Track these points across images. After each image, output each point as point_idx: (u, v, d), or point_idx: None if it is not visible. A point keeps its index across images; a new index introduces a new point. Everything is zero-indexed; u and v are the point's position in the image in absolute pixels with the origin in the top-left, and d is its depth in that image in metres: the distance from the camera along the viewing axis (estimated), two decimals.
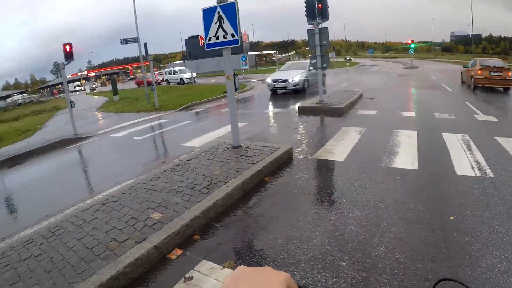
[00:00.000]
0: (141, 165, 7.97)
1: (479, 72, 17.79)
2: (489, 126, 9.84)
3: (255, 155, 6.94)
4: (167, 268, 3.80)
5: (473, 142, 8.01)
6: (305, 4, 13.11)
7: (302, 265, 3.60)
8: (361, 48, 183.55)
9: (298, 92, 19.64)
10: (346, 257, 3.70)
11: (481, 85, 17.97)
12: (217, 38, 7.03)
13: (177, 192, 5.34)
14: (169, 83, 43.10)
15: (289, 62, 27.90)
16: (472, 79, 18.57)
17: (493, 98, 15.33)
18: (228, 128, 8.93)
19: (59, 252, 3.99)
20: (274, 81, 20.19)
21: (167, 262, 3.90)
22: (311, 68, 14.71)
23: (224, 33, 6.93)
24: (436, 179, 5.87)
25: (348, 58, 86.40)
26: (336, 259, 3.68)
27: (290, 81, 19.47)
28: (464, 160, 6.78)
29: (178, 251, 4.07)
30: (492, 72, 17.55)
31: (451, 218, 4.49)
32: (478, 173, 6.05)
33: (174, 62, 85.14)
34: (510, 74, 17.34)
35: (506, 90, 17.71)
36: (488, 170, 6.16)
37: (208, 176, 5.94)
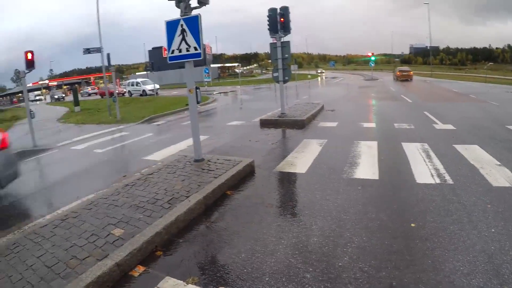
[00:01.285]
0: (102, 179, 7.80)
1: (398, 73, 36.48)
2: (447, 135, 10.28)
3: (217, 168, 6.95)
4: (129, 286, 3.72)
5: (432, 150, 8.35)
6: (268, 18, 13.44)
7: (267, 279, 3.61)
8: (323, 60, 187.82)
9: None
10: (311, 269, 3.75)
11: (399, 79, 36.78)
12: (180, 51, 7.07)
13: (138, 207, 5.26)
14: (132, 94, 42.65)
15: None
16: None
17: (451, 107, 15.99)
18: (190, 141, 8.90)
19: (17, 271, 3.83)
20: None
21: (130, 280, 3.82)
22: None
23: (187, 46, 6.98)
24: (396, 188, 6.07)
25: (320, 72, 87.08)
26: (301, 271, 3.72)
27: None
28: (424, 168, 7.04)
29: (141, 268, 4.00)
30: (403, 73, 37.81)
31: (413, 225, 4.65)
32: (437, 181, 6.30)
33: (137, 73, 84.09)
34: (411, 73, 37.31)
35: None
36: (447, 177, 6.43)
37: (170, 190, 5.90)
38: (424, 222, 4.71)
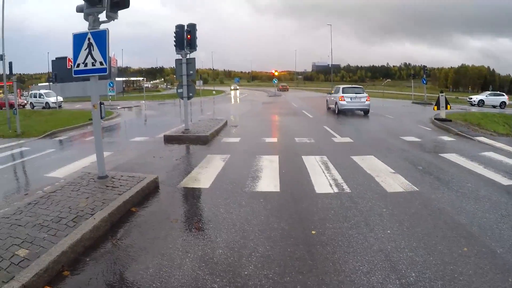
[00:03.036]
0: (2, 198, 7.22)
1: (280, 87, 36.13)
2: (345, 147, 11.07)
3: (121, 185, 6.81)
4: None
5: (330, 162, 8.94)
6: (174, 35, 13.51)
7: None
8: (228, 76, 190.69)
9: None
10: (218, 279, 3.83)
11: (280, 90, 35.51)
12: (86, 65, 6.85)
13: (42, 227, 5.00)
14: (34, 106, 39.74)
15: None
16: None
17: (349, 122, 17.12)
18: (93, 158, 8.57)
19: None
20: None
21: None
22: None
23: (93, 61, 6.79)
24: (297, 199, 6.40)
25: (233, 88, 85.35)
26: (208, 282, 3.79)
27: None
28: (323, 179, 7.52)
29: None
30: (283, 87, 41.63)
31: (313, 232, 4.96)
32: (336, 190, 6.78)
33: (39, 84, 78.27)
34: (287, 87, 47.29)
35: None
36: (345, 186, 6.94)
37: (74, 208, 5.67)
38: (324, 229, 5.05)
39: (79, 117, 23.85)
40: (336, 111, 23.24)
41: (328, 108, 26.49)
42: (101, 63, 6.81)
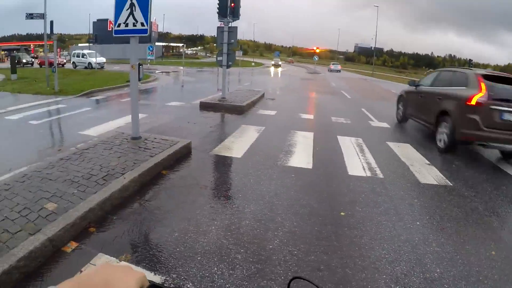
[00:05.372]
0: (36, 152, 7.41)
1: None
2: (381, 132, 10.83)
3: (153, 147, 6.89)
4: (62, 262, 3.60)
5: (365, 145, 8.78)
6: (218, 2, 13.33)
7: (199, 258, 3.67)
8: (268, 50, 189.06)
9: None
10: (242, 250, 3.85)
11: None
12: (127, 25, 6.87)
13: (72, 182, 5.10)
14: (76, 66, 40.15)
15: None
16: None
17: (388, 107, 16.73)
18: (128, 119, 8.71)
19: None
20: None
21: (62, 256, 3.70)
22: None
23: (134, 21, 6.79)
24: (329, 178, 6.35)
25: (275, 63, 79.50)
26: (232, 252, 3.82)
27: None
28: (356, 161, 7.41)
29: (74, 244, 3.89)
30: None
31: (342, 214, 4.90)
32: (368, 174, 6.66)
33: (79, 45, 79.69)
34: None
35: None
36: (378, 171, 6.80)
37: (105, 167, 5.77)
38: (353, 212, 4.99)
39: (117, 78, 24.13)
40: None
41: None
42: (142, 24, 6.79)
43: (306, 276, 3.21)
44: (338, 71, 64.90)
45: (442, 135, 8.79)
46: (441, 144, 8.84)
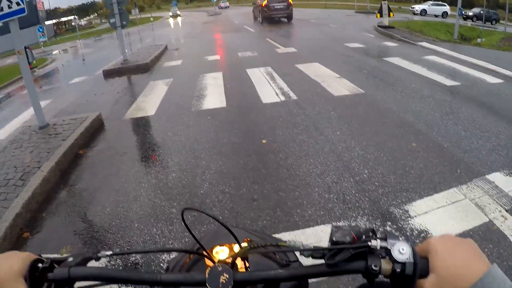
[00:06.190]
0: None
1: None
2: (289, 57, 10.94)
3: (64, 130, 6.48)
4: None
5: (275, 72, 8.84)
6: None
7: (136, 225, 3.55)
8: (165, 1, 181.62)
9: None
10: (175, 203, 3.79)
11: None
12: (1, 9, 6.15)
13: None
14: None
15: None
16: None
17: (292, 33, 16.87)
18: (33, 110, 8.13)
19: None
20: None
21: None
22: None
23: (8, 3, 6.08)
24: (244, 111, 6.34)
25: (173, 14, 69.82)
26: (166, 208, 3.74)
27: None
28: (269, 89, 7.44)
29: None
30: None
31: (264, 141, 4.94)
32: (282, 98, 6.73)
33: None
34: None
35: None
36: (291, 94, 6.89)
37: (20, 166, 5.36)
38: (274, 137, 5.04)
39: (13, 71, 22.22)
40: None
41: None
42: (17, 3, 6.12)
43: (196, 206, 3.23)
44: (227, 7, 69.92)
45: (259, 18, 24.32)
46: (258, 21, 25.02)
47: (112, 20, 13.16)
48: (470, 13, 36.46)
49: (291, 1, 23.25)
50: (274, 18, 23.70)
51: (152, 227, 3.47)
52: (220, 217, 3.18)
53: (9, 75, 20.00)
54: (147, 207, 3.83)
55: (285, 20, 23.84)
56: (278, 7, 22.79)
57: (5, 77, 19.52)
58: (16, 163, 5.55)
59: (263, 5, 22.97)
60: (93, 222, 3.83)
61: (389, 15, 17.73)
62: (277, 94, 6.96)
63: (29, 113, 9.49)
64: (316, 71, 8.52)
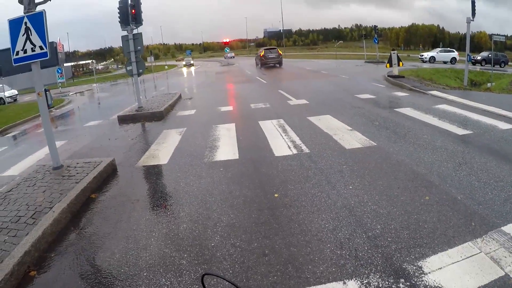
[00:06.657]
0: None
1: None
2: (301, 109, 11.08)
3: (77, 173, 6.57)
4: None
5: (287, 124, 8.95)
6: (118, 10, 12.88)
7: (145, 274, 3.54)
8: (179, 50, 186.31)
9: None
10: (185, 255, 3.77)
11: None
12: (25, 51, 6.41)
13: (1, 229, 4.74)
14: None
15: None
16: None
17: (303, 84, 17.16)
18: (48, 149, 8.27)
19: None
20: None
21: None
22: None
23: (32, 46, 6.36)
24: (257, 164, 6.37)
25: (186, 63, 72.41)
26: (176, 258, 3.72)
27: None
28: (281, 142, 7.52)
29: None
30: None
31: (276, 195, 4.94)
32: (294, 151, 6.79)
33: None
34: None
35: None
36: (303, 147, 6.95)
37: (32, 204, 5.42)
38: (286, 191, 5.04)
39: (31, 109, 22.73)
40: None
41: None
42: (41, 48, 6.38)
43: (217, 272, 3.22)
44: (233, 57, 75.68)
45: (259, 64, 36.74)
46: (258, 67, 36.32)
47: (129, 68, 13.60)
48: (479, 57, 36.96)
49: (281, 52, 37.26)
50: (269, 64, 35.41)
51: (161, 277, 3.45)
52: (240, 284, 3.19)
53: (26, 112, 20.43)
54: (156, 257, 3.82)
55: (278, 65, 35.30)
56: (271, 56, 35.63)
57: (22, 114, 19.96)
58: (29, 201, 5.61)
59: (261, 55, 36.21)
60: (101, 268, 3.82)
61: (398, 65, 18.05)
62: (289, 147, 7.03)
63: (43, 152, 9.64)
64: (328, 123, 8.63)
